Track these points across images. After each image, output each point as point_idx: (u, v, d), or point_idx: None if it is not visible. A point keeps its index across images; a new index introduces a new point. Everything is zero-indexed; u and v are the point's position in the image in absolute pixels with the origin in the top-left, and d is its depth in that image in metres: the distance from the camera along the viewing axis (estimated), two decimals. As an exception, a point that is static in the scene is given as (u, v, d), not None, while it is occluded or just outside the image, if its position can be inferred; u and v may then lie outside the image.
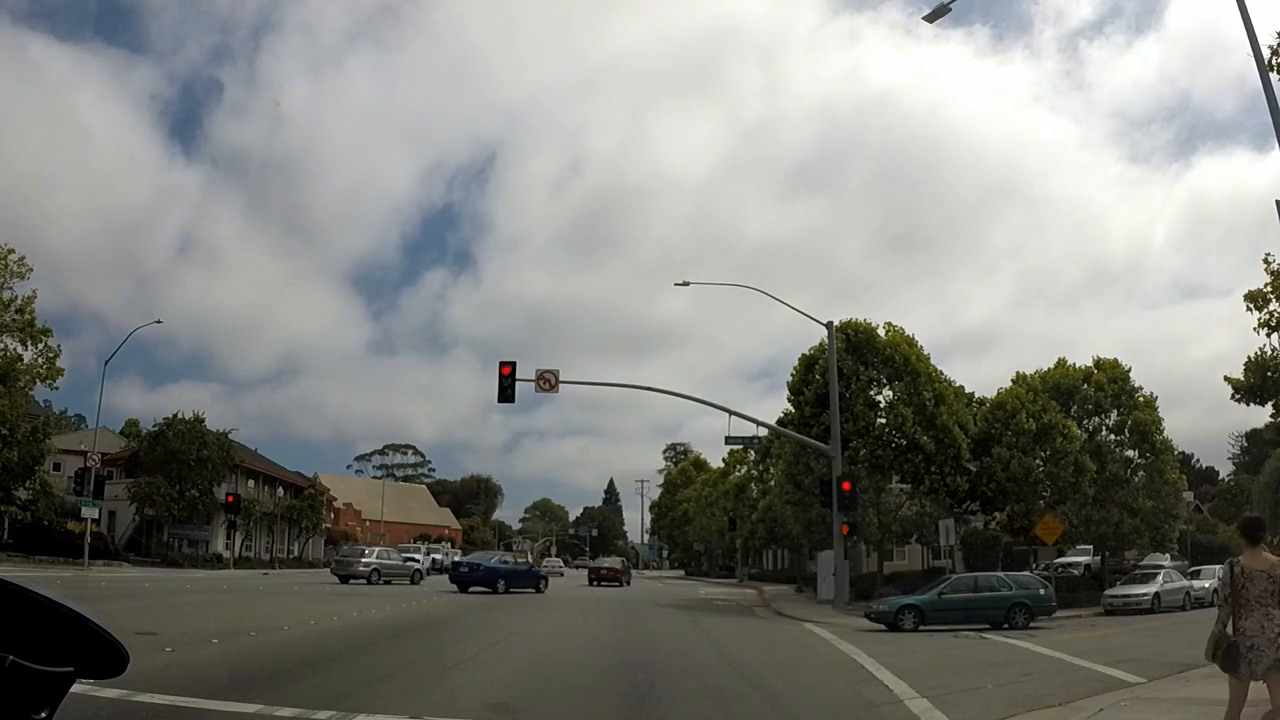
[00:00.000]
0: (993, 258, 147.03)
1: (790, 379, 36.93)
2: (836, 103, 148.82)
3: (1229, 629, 6.91)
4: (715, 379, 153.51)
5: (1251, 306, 17.30)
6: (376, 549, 45.29)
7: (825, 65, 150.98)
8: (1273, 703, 6.65)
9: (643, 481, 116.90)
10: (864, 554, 40.49)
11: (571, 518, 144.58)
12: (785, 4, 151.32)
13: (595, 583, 51.84)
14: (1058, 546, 34.11)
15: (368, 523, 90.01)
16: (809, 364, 35.69)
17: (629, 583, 54.86)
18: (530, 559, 61.83)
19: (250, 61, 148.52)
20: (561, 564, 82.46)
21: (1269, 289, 17.06)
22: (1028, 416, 33.27)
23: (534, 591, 36.44)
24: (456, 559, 47.46)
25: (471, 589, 33.89)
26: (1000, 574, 27.11)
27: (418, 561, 49.71)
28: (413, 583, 41.41)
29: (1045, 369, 36.17)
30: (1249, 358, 18.81)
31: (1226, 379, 19.27)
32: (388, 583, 39.39)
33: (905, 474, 34.56)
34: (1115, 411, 34.91)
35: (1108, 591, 30.28)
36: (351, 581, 38.25)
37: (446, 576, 40.26)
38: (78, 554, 40.04)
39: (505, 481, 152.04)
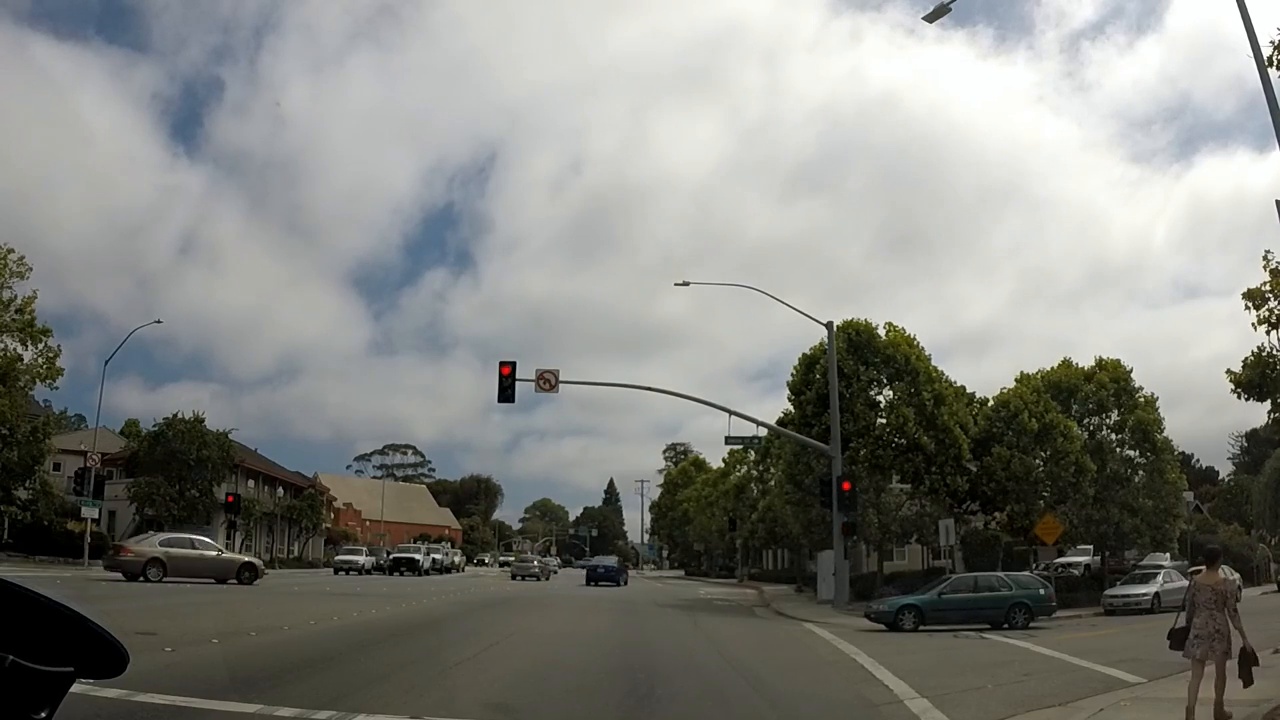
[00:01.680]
0: (994, 258, 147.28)
1: (791, 379, 36.92)
2: (838, 103, 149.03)
3: (1186, 624, 9.78)
4: (715, 379, 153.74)
5: (1250, 305, 17.28)
6: (536, 558, 70.98)
7: (827, 66, 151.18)
8: (1206, 678, 9.41)
9: (643, 481, 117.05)
10: (864, 554, 40.48)
11: (571, 518, 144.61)
12: (787, 5, 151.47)
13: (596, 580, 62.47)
14: (1058, 546, 34.07)
15: (368, 523, 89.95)
16: (810, 364, 35.66)
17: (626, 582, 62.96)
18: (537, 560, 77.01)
19: (251, 61, 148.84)
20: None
21: (1267, 287, 17.03)
22: (1030, 416, 33.27)
23: (622, 584, 52.83)
24: (591, 561, 65.12)
25: (593, 582, 50.96)
26: (1000, 574, 27.09)
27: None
28: (545, 579, 58.79)
29: (1048, 368, 36.21)
30: (1249, 354, 18.78)
31: (1228, 373, 19.22)
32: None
33: (905, 474, 34.53)
34: (1116, 411, 34.91)
35: (1108, 591, 30.25)
36: (523, 579, 55.28)
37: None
38: (78, 554, 40.01)
39: (505, 481, 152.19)
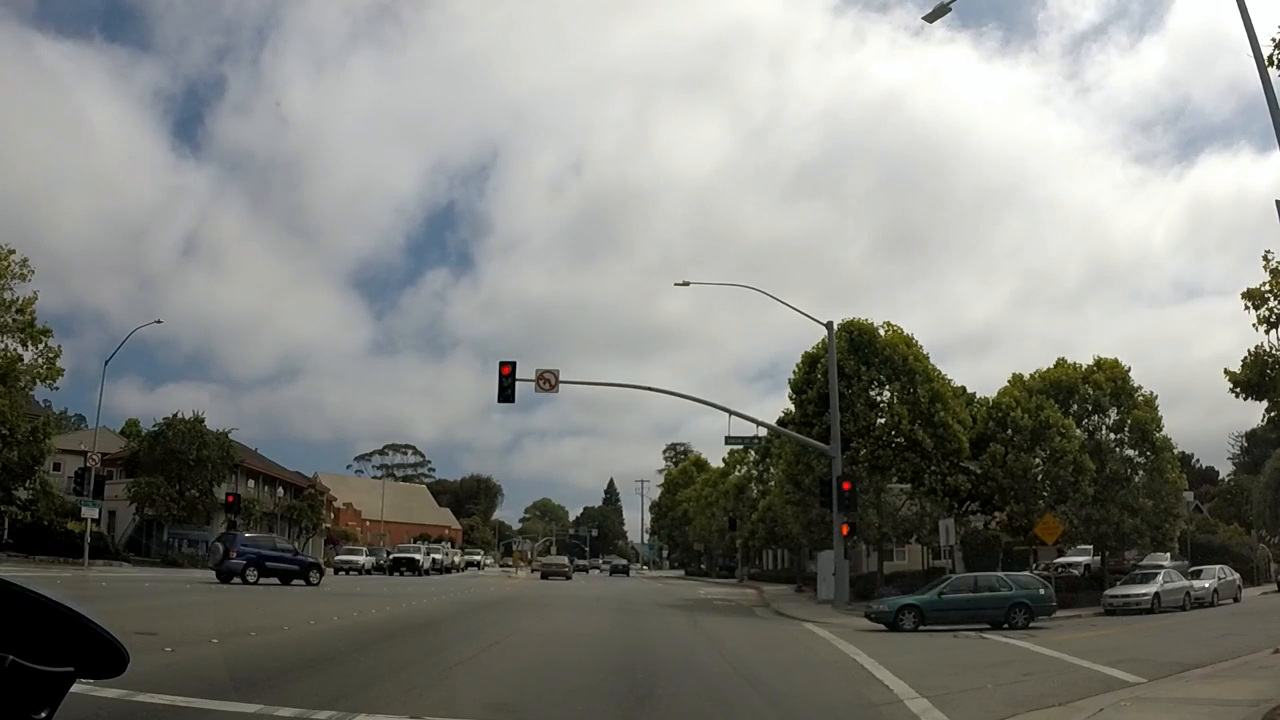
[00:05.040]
0: (995, 259, 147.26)
1: (792, 377, 36.90)
2: (841, 105, 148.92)
3: None
4: (715, 379, 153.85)
5: (1250, 305, 17.31)
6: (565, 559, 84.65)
7: (830, 68, 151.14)
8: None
9: (643, 481, 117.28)
10: (864, 554, 40.49)
11: (571, 518, 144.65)
12: (791, 6, 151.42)
13: (614, 573, 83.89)
14: (1058, 546, 34.07)
15: (368, 523, 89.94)
16: (812, 362, 35.62)
17: (629, 574, 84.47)
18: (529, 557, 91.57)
19: (254, 61, 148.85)
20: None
21: (1267, 287, 17.07)
22: (1024, 413, 33.22)
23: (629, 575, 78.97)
24: (614, 561, 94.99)
25: (613, 573, 78.56)
26: (1000, 574, 27.08)
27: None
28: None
29: (1045, 369, 36.16)
30: (1248, 353, 18.81)
31: (1227, 372, 19.26)
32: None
33: (905, 474, 34.53)
34: (1115, 410, 34.87)
35: (1108, 591, 30.24)
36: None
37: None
38: (78, 554, 40.01)
39: (505, 481, 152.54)
